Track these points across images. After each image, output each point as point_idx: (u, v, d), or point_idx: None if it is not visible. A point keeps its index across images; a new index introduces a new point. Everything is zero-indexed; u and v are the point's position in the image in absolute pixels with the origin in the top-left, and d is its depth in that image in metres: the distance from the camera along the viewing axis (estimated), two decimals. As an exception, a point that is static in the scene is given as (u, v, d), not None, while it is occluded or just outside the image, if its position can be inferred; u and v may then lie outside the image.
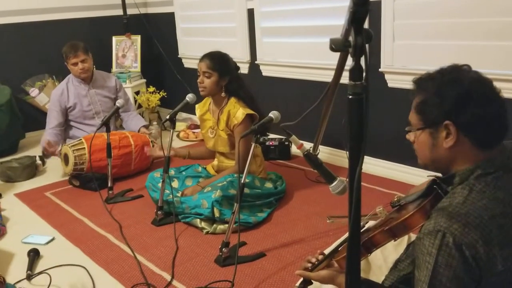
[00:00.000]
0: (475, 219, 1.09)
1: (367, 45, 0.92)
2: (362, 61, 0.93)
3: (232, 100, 2.76)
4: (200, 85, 2.73)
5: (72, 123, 3.68)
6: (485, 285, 1.10)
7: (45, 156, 3.46)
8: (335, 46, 0.96)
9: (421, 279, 1.13)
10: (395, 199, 1.60)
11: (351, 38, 0.92)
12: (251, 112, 2.71)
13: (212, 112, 2.89)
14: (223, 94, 2.76)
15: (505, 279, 1.11)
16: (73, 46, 3.51)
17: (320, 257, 1.49)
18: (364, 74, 0.93)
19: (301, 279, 1.60)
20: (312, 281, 1.58)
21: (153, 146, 3.56)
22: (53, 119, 3.58)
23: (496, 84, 1.20)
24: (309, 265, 1.50)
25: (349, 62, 0.97)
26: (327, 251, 1.50)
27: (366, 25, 0.92)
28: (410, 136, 1.29)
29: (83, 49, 3.52)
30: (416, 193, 1.34)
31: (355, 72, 0.93)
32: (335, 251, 1.44)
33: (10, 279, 2.21)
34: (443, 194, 1.23)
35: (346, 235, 1.38)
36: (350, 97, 0.95)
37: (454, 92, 1.16)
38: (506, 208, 1.13)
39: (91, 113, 3.66)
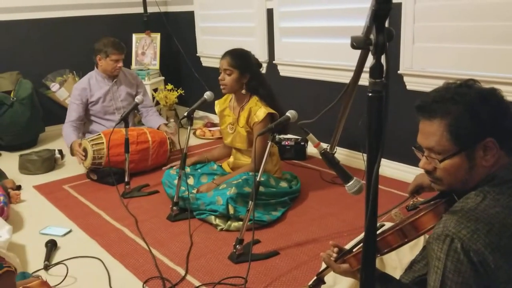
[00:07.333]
0: (485, 226, 1.08)
1: (387, 44, 0.92)
2: (383, 60, 0.93)
3: (254, 98, 2.78)
4: (221, 82, 2.75)
5: (92, 118, 3.73)
6: None
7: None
8: (356, 43, 0.97)
9: (431, 284, 1.13)
10: (411, 203, 1.59)
11: (372, 36, 0.92)
12: (273, 111, 2.72)
13: (233, 109, 2.90)
14: (243, 92, 2.78)
15: None
16: (119, 44, 3.60)
17: (336, 249, 1.47)
18: (384, 72, 0.94)
19: (314, 277, 1.61)
20: (325, 280, 1.59)
21: (170, 142, 3.60)
22: (73, 112, 3.63)
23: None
24: (335, 255, 1.48)
25: (369, 61, 0.98)
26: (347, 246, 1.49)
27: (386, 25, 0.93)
28: (429, 164, 1.23)
29: (124, 49, 3.64)
30: (432, 197, 1.33)
31: (376, 69, 0.94)
32: (349, 251, 1.44)
33: (28, 269, 2.26)
34: (457, 198, 1.21)
35: (361, 236, 1.37)
36: (370, 94, 0.95)
37: (489, 107, 1.15)
38: None
39: (111, 108, 3.71)
